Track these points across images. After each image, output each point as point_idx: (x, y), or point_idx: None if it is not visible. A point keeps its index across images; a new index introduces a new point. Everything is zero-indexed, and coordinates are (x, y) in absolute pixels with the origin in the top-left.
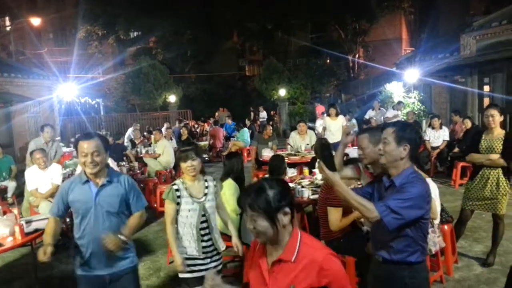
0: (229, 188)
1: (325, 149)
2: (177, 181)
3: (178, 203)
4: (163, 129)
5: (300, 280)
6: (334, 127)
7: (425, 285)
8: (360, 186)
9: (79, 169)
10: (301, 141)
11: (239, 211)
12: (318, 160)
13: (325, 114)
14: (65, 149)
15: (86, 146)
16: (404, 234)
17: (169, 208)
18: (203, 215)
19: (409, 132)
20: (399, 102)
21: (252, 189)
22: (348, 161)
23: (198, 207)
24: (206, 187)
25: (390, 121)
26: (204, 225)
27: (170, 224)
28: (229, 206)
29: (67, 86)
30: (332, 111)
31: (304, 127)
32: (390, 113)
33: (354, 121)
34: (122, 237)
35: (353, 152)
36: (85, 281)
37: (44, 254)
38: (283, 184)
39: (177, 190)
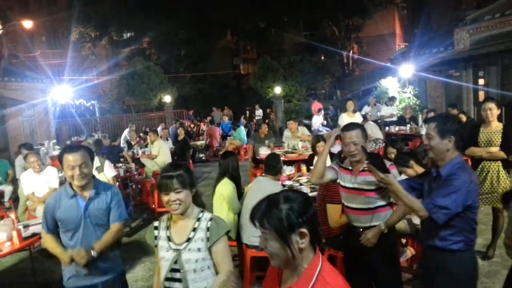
0: (226, 188)
1: (374, 154)
2: (164, 217)
3: (156, 246)
4: (158, 129)
5: None
6: None
7: (472, 273)
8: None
9: None
10: (294, 139)
11: (237, 211)
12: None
13: (325, 111)
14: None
15: (73, 159)
16: (449, 223)
17: (156, 252)
18: (174, 270)
19: (451, 124)
20: (392, 98)
21: (264, 201)
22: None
23: (171, 257)
24: (194, 229)
25: (386, 119)
26: (174, 285)
27: (157, 275)
28: (227, 205)
29: (62, 89)
30: (350, 105)
31: (293, 125)
32: (385, 111)
33: None
34: (94, 252)
35: (337, 148)
36: None
37: (81, 258)
38: (302, 198)
39: (156, 228)
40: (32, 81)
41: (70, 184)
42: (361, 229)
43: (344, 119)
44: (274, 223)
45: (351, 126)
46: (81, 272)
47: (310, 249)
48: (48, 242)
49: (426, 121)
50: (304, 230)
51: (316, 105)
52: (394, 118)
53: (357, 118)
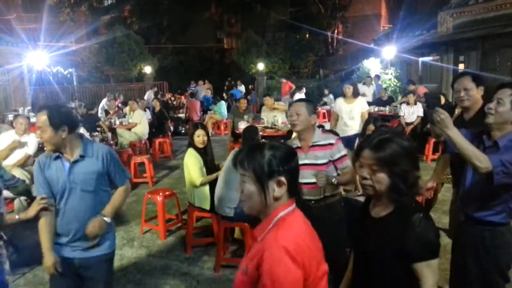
0: (190, 157)
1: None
2: None
3: None
4: (145, 97)
5: (251, 264)
6: (349, 112)
7: (509, 248)
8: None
9: None
10: (271, 111)
11: (195, 180)
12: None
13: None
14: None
15: (37, 120)
16: (495, 191)
17: None
18: None
19: None
20: (372, 77)
21: (251, 146)
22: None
23: None
24: None
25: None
26: None
27: None
28: (189, 175)
29: (38, 54)
30: (348, 89)
31: (269, 100)
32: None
33: (331, 96)
34: (106, 218)
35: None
36: None
37: (51, 266)
38: (287, 149)
39: None
40: (7, 45)
41: None
42: (312, 202)
43: (339, 103)
44: (254, 165)
45: (299, 100)
46: (64, 243)
47: (285, 201)
48: (40, 225)
49: (502, 85)
50: (282, 178)
51: (288, 85)
52: (369, 99)
53: (359, 103)
